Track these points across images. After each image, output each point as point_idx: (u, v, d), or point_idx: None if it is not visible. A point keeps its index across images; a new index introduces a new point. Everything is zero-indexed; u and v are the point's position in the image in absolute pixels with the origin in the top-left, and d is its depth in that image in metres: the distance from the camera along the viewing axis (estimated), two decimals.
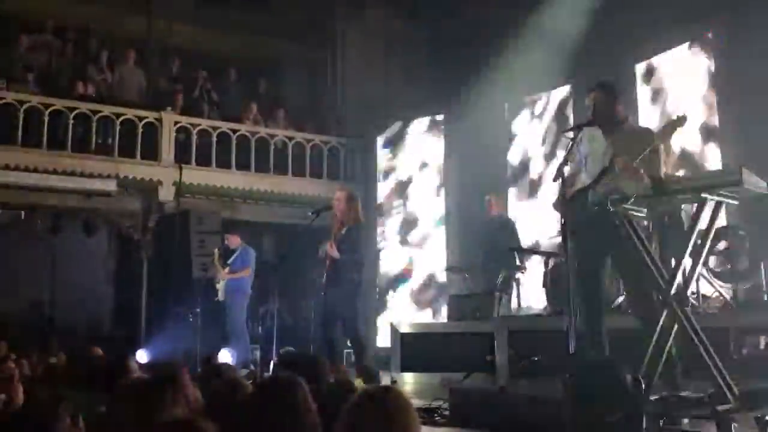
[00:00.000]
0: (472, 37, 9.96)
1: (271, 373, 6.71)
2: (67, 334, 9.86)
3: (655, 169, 4.03)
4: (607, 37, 8.21)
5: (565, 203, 4.05)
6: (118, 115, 10.33)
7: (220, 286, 8.45)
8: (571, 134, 4.47)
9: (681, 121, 4.13)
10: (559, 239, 6.08)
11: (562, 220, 4.01)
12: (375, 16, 12.05)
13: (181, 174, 10.44)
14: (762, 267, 5.95)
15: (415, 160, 11.10)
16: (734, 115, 7.31)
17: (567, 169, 4.14)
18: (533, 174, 9.77)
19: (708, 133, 7.57)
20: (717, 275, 6.17)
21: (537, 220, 9.20)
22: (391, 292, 10.82)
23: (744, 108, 7.09)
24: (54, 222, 10.17)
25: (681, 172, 6.62)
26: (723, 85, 7.47)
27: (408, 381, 6.74)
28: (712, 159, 7.51)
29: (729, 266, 6.15)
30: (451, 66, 10.39)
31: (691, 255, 3.81)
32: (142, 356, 8.24)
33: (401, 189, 11.17)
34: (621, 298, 6.08)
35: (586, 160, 4.41)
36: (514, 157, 10.12)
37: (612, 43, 8.23)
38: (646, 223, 4.39)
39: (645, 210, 3.94)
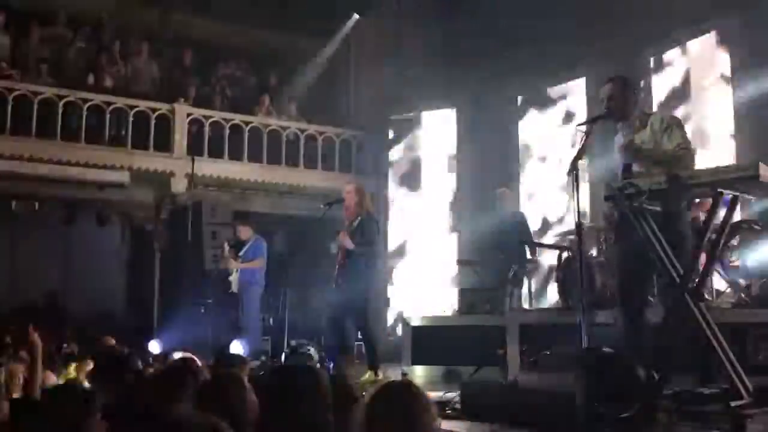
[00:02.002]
0: (486, 30, 9.91)
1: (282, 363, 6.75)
2: (80, 324, 9.94)
3: (673, 141, 4.02)
4: (622, 29, 8.15)
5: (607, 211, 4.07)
6: (131, 107, 10.37)
7: (233, 278, 8.46)
8: (584, 128, 4.45)
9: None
10: (573, 234, 6.07)
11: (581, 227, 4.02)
12: (388, 7, 12.00)
13: (193, 165, 10.47)
14: None
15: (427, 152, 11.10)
16: (751, 108, 7.24)
17: (581, 163, 4.12)
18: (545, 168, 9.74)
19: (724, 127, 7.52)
20: (731, 270, 6.12)
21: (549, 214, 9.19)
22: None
23: (761, 100, 7.03)
24: (67, 213, 10.23)
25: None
26: (739, 76, 7.41)
27: (419, 374, 6.75)
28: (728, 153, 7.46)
29: (743, 261, 6.10)
30: (465, 59, 10.34)
31: (705, 250, 3.78)
32: (154, 346, 8.28)
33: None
34: None
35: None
36: (525, 152, 10.09)
37: (627, 35, 8.16)
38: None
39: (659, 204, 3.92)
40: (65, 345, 7.15)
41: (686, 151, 4.03)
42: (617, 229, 4.15)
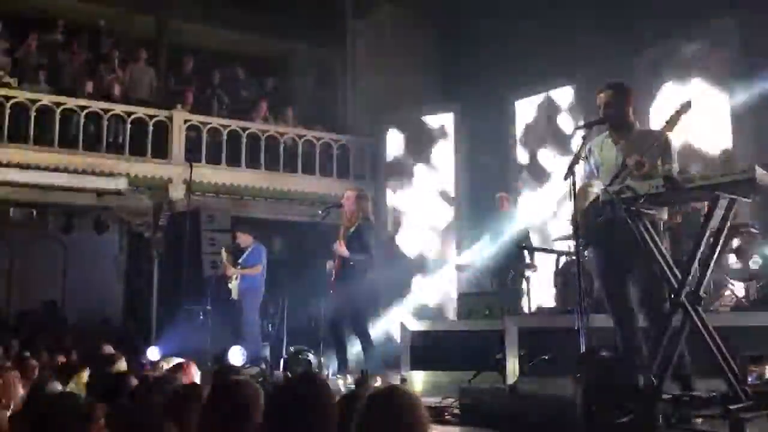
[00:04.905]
0: (482, 34, 9.93)
1: (281, 370, 6.74)
2: (78, 331, 9.94)
3: (665, 164, 4.00)
4: (615, 33, 8.17)
5: (580, 215, 4.06)
6: (129, 114, 10.38)
7: (233, 285, 8.45)
8: (582, 132, 4.46)
9: (685, 108, 4.11)
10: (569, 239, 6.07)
11: (578, 231, 4.02)
12: (385, 14, 12.04)
13: (191, 172, 10.45)
14: None
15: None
16: (748, 111, 7.26)
17: (578, 168, 4.13)
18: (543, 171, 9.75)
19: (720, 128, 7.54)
20: (729, 273, 6.13)
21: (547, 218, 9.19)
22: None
23: (758, 102, 7.05)
24: (65, 220, 10.23)
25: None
26: (736, 77, 7.43)
27: (418, 379, 6.73)
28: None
29: (742, 264, 6.11)
30: (462, 63, 10.36)
31: (703, 253, 3.78)
32: (153, 353, 8.26)
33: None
34: None
35: (598, 170, 4.37)
36: (523, 155, 10.10)
37: (620, 39, 8.18)
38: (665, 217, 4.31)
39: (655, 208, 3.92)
40: (60, 357, 7.12)
41: None
42: (595, 234, 4.15)
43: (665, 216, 4.21)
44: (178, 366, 3.95)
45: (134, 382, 3.54)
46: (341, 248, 6.14)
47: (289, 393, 2.40)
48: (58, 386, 4.04)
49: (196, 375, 3.97)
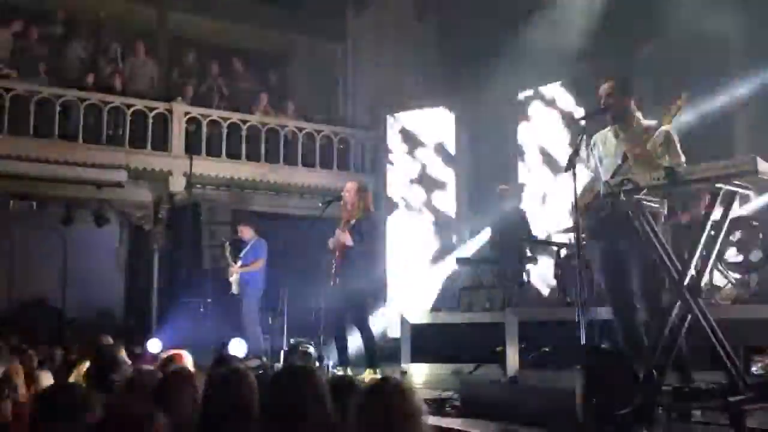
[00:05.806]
0: (483, 28, 9.89)
1: (281, 362, 6.76)
2: (78, 324, 9.93)
3: (673, 159, 4.00)
4: (618, 26, 8.15)
5: (583, 207, 4.06)
6: (128, 106, 10.36)
7: (233, 279, 8.46)
8: (583, 123, 4.45)
9: (683, 100, 4.11)
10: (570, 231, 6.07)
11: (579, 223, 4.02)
12: (385, 7, 12.01)
13: (191, 164, 10.45)
14: None
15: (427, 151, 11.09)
16: (749, 103, 7.25)
17: (578, 160, 4.12)
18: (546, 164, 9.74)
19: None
20: (730, 266, 6.13)
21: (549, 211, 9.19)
22: None
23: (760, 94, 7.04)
24: (65, 213, 10.22)
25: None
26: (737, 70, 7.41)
27: (418, 372, 6.75)
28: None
29: (742, 257, 6.11)
30: (462, 56, 10.33)
31: (704, 246, 3.77)
32: (154, 345, 8.28)
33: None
34: None
35: (601, 162, 4.36)
36: (525, 148, 10.09)
37: (622, 32, 8.16)
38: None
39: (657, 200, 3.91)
40: (58, 352, 7.13)
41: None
42: (597, 228, 4.16)
43: (665, 209, 4.21)
44: (172, 356, 3.95)
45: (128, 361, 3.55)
46: (344, 236, 6.12)
47: (281, 383, 2.42)
48: (49, 378, 4.04)
49: (189, 364, 3.97)
